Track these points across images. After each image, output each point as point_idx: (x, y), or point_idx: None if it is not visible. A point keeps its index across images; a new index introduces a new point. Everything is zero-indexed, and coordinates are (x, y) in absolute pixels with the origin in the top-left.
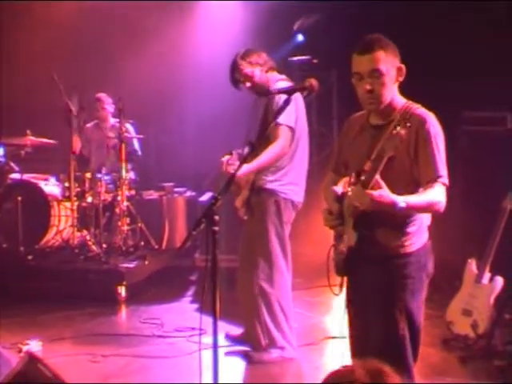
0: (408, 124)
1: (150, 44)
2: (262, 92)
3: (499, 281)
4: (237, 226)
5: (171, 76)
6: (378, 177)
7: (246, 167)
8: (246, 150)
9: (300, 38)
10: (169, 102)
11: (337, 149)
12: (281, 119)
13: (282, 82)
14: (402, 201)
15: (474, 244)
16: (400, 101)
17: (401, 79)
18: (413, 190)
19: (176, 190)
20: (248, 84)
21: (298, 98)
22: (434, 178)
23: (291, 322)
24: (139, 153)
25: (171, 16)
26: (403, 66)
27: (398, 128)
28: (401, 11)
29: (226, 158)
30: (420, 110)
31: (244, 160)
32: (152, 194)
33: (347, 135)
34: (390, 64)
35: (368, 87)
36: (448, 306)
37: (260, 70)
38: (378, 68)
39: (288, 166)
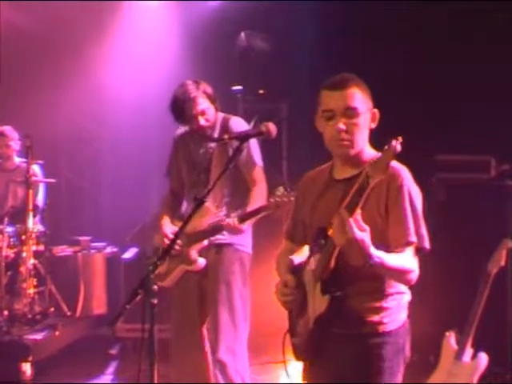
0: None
1: (64, 74)
2: (209, 136)
3: (483, 358)
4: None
5: (87, 111)
6: (359, 217)
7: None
8: (190, 204)
9: None
10: (84, 141)
11: (292, 212)
12: (258, 160)
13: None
14: (377, 256)
15: (452, 314)
16: (370, 152)
17: (373, 126)
18: (382, 250)
19: (93, 244)
20: (202, 122)
21: None
22: (404, 243)
23: None
24: (43, 204)
25: (88, 44)
26: (377, 110)
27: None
28: (365, 43)
29: (169, 228)
30: (392, 162)
31: (190, 216)
32: (64, 250)
33: (305, 196)
34: (365, 105)
35: (342, 126)
36: None
37: (214, 107)
38: (354, 106)
39: None
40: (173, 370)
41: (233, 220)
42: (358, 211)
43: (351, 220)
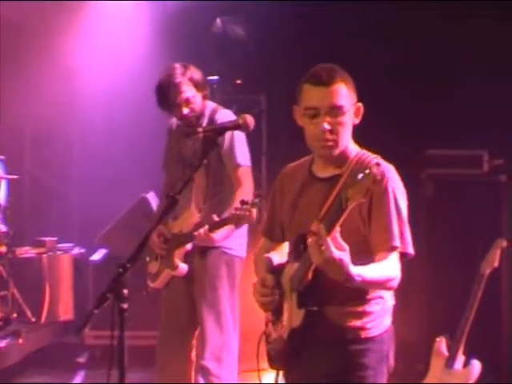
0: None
1: (30, 64)
2: (194, 127)
3: (476, 365)
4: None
5: (56, 104)
6: (337, 235)
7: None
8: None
9: None
10: (51, 135)
11: (269, 209)
12: (241, 159)
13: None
14: (357, 275)
15: (442, 318)
16: (354, 148)
17: (357, 121)
18: (365, 255)
19: (60, 245)
20: (185, 111)
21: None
22: (388, 248)
23: None
24: (4, 202)
25: (56, 36)
26: (361, 105)
27: (367, 171)
28: (352, 32)
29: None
30: (377, 160)
31: (163, 215)
32: (28, 252)
33: (283, 192)
34: (350, 101)
35: (327, 126)
36: None
37: (201, 95)
38: (339, 104)
39: None
40: (156, 376)
41: (204, 230)
42: (337, 228)
43: (329, 239)
